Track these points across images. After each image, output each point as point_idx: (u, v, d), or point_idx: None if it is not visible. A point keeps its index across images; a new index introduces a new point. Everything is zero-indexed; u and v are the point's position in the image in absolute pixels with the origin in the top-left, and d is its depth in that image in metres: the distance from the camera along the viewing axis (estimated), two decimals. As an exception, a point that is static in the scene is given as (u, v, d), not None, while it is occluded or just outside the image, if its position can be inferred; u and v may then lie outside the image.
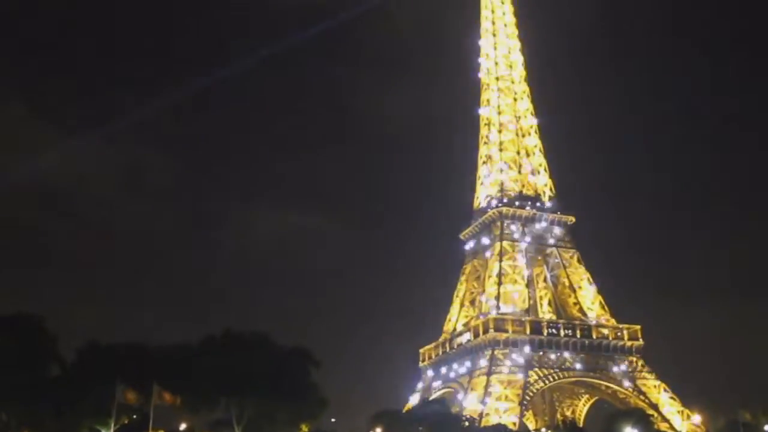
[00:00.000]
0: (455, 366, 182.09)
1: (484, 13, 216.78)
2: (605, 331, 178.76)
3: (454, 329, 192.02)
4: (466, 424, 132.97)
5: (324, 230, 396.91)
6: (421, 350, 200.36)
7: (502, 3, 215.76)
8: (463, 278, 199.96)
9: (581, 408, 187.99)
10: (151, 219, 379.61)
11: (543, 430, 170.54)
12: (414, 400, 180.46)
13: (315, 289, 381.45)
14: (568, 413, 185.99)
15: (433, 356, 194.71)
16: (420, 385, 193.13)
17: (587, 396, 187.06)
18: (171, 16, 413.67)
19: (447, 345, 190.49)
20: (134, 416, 75.85)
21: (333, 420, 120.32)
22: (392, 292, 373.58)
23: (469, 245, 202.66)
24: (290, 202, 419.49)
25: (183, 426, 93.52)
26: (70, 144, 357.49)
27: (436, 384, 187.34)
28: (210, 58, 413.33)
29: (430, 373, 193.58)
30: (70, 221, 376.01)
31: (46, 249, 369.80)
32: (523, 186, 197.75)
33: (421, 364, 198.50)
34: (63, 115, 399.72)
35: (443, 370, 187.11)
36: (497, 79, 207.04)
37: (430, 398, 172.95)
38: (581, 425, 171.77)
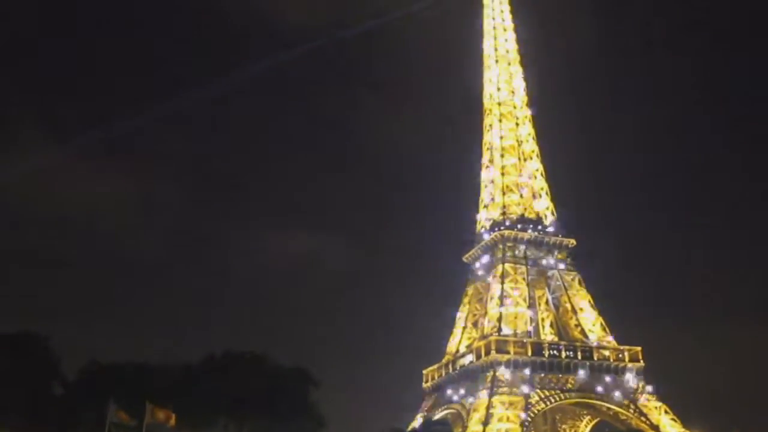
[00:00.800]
0: (458, 387, 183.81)
1: (487, 39, 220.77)
2: (606, 353, 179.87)
3: (457, 351, 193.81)
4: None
5: (327, 252, 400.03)
6: (425, 371, 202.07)
7: (505, 30, 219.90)
8: (465, 300, 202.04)
9: (583, 429, 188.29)
10: (155, 236, 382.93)
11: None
12: (417, 421, 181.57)
13: (319, 309, 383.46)
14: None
15: (436, 377, 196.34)
16: (423, 406, 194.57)
17: (589, 417, 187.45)
18: (171, 32, 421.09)
19: (450, 366, 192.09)
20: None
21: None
22: (395, 313, 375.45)
23: (472, 268, 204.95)
24: (293, 224, 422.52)
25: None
26: (70, 154, 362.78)
27: (439, 405, 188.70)
28: (210, 76, 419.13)
29: (432, 394, 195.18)
30: (71, 234, 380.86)
31: (48, 263, 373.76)
32: (525, 209, 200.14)
33: (424, 385, 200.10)
34: (63, 124, 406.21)
35: (446, 391, 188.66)
36: (499, 104, 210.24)
37: (433, 419, 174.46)
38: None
